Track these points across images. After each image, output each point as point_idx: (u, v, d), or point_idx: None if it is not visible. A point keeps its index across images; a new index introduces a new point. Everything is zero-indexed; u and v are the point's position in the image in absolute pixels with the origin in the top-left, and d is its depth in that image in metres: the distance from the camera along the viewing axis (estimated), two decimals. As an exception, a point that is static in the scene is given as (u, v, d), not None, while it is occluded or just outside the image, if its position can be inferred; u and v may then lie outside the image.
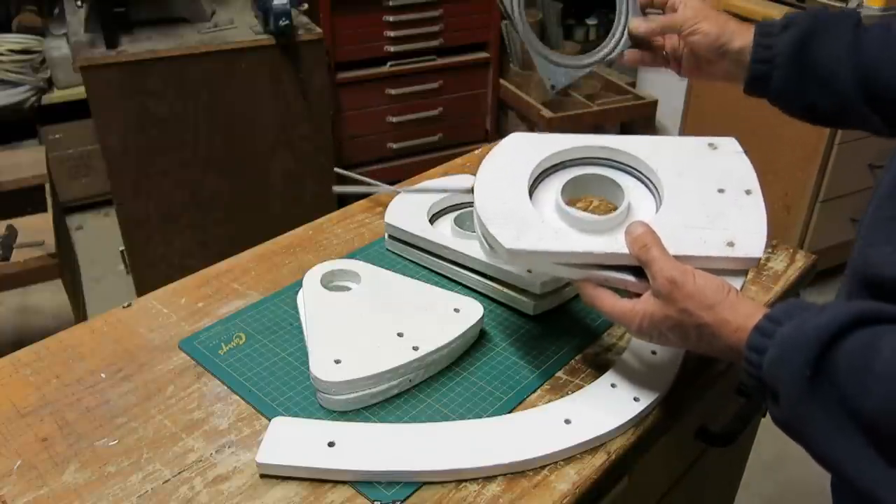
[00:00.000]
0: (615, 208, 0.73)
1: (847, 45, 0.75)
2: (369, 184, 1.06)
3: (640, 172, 0.78)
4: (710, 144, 0.78)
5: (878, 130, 0.77)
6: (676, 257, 0.65)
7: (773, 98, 0.81)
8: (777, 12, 2.07)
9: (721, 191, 0.73)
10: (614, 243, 0.68)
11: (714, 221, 0.70)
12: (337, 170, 1.15)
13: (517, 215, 0.71)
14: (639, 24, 0.87)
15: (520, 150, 0.78)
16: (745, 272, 0.70)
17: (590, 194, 0.77)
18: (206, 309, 0.86)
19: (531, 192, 0.75)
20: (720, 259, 0.68)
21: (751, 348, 0.57)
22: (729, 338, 0.60)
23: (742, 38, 0.80)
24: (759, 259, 0.69)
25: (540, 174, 0.77)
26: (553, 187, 0.76)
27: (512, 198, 0.73)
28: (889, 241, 0.59)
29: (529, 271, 0.83)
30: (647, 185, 0.77)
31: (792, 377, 0.52)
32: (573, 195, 0.78)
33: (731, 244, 0.68)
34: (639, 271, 0.67)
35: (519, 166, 0.75)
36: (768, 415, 0.58)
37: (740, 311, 0.60)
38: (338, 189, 1.07)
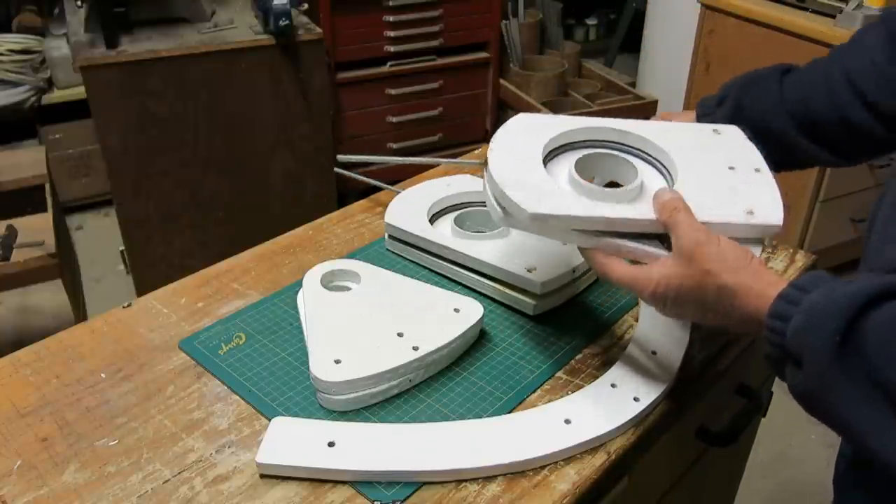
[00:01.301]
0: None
1: (774, 96, 0.79)
2: (372, 164, 1.07)
3: (649, 155, 0.77)
4: (715, 130, 0.79)
5: (828, 161, 0.81)
6: (703, 223, 0.65)
7: None
8: (777, 12, 2.07)
9: (731, 168, 0.74)
10: (636, 210, 0.68)
11: (730, 194, 0.71)
12: (337, 170, 1.15)
13: (534, 182, 0.70)
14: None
15: (529, 130, 0.77)
16: (762, 241, 0.70)
17: (598, 175, 0.77)
18: (206, 309, 0.86)
19: (547, 161, 0.75)
20: (741, 226, 0.68)
21: (774, 315, 0.56)
22: (749, 304, 0.59)
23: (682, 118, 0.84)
24: (780, 227, 0.69)
25: (548, 154, 0.76)
26: (563, 166, 0.75)
27: (528, 168, 0.72)
28: None
29: (530, 271, 0.83)
30: (656, 167, 0.77)
31: (822, 344, 0.51)
32: (586, 169, 0.77)
33: (750, 212, 0.69)
34: (654, 242, 0.67)
35: (530, 143, 0.75)
36: (765, 416, 0.58)
37: (763, 278, 0.60)
38: (341, 163, 1.10)
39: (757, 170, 0.74)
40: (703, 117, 0.84)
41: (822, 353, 0.52)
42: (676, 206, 0.66)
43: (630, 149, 0.78)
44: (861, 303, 0.51)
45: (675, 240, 0.64)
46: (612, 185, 0.76)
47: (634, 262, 0.68)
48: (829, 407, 0.53)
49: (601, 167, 0.78)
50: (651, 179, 0.75)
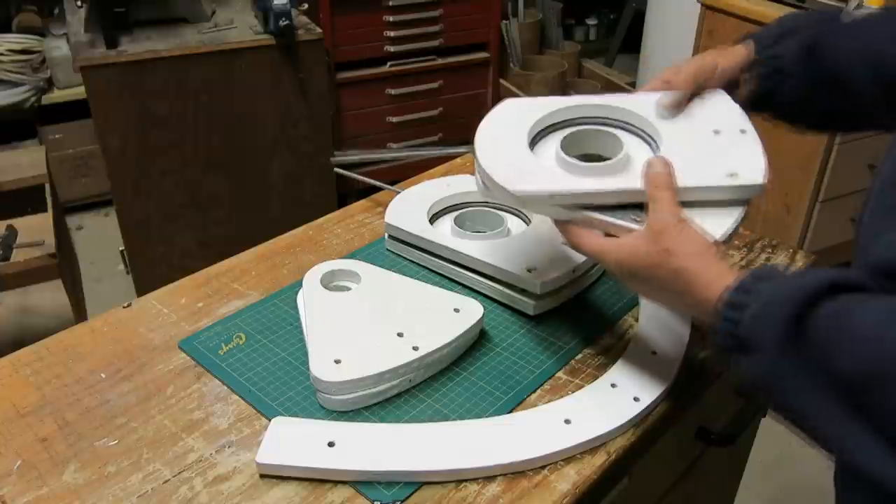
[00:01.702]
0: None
1: (859, 41, 0.74)
2: (372, 165, 1.07)
3: (635, 126, 0.79)
4: (699, 97, 0.79)
5: (890, 126, 0.76)
6: (680, 189, 0.67)
7: (783, 111, 0.80)
8: (777, 12, 2.07)
9: (717, 132, 0.75)
10: (619, 182, 0.70)
11: (713, 157, 0.72)
12: (337, 170, 1.15)
13: (517, 162, 0.72)
14: (666, 101, 0.79)
15: (516, 113, 0.79)
16: (746, 202, 0.71)
17: (586, 151, 0.79)
18: (206, 309, 0.86)
19: (535, 141, 0.77)
20: (723, 189, 0.69)
21: (728, 304, 0.57)
22: (704, 290, 0.60)
23: (730, 56, 0.78)
24: (762, 186, 0.70)
25: (536, 135, 0.78)
26: (550, 144, 0.77)
27: (512, 148, 0.74)
28: (889, 232, 0.59)
29: (530, 271, 0.83)
30: (641, 137, 0.78)
31: (775, 332, 0.53)
32: (573, 145, 0.79)
33: (732, 174, 0.70)
34: (634, 213, 0.69)
35: (517, 125, 0.77)
36: (765, 416, 0.58)
37: (720, 266, 0.61)
38: (338, 167, 1.11)
39: (742, 131, 0.75)
40: (764, 49, 0.77)
41: (774, 342, 0.53)
42: (662, 182, 0.67)
43: (616, 122, 0.80)
44: (811, 294, 0.52)
45: (650, 215, 0.66)
46: (601, 159, 0.78)
47: (610, 235, 0.69)
48: (781, 394, 0.54)
49: (588, 143, 0.79)
50: (637, 150, 0.77)
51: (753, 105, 0.80)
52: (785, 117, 0.81)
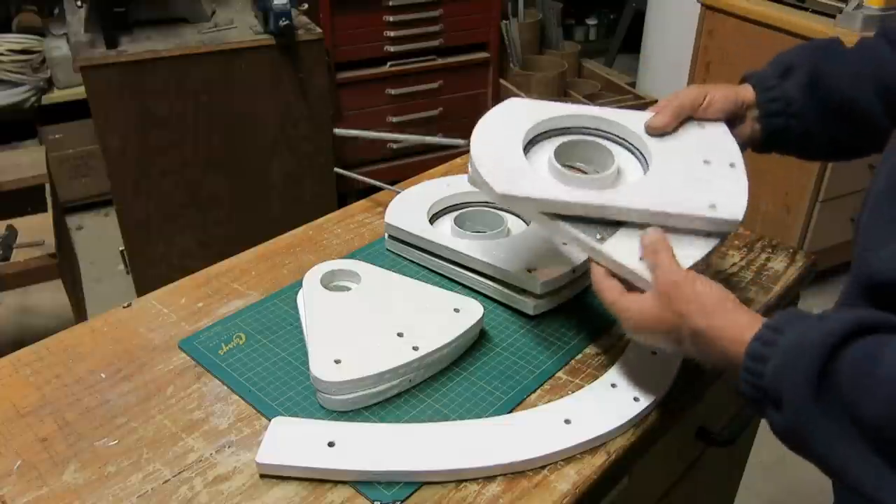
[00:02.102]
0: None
1: (854, 64, 0.75)
2: (371, 164, 1.07)
3: (629, 142, 0.80)
4: (699, 124, 0.80)
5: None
6: (659, 214, 0.69)
7: (794, 147, 0.81)
8: (777, 12, 2.07)
9: (707, 162, 0.75)
10: (600, 197, 0.71)
11: (698, 186, 0.73)
12: (337, 170, 1.15)
13: (508, 164, 0.73)
14: (654, 121, 0.79)
15: (517, 113, 0.80)
16: (723, 235, 0.71)
17: (579, 162, 0.80)
18: (206, 309, 0.86)
19: (529, 147, 0.78)
20: (701, 219, 0.70)
21: (751, 357, 0.56)
22: (725, 348, 0.59)
23: (731, 92, 0.79)
24: (738, 222, 0.71)
25: (533, 138, 0.79)
26: (545, 151, 0.78)
27: (506, 149, 0.75)
28: (887, 245, 0.59)
29: (530, 271, 0.83)
30: (635, 154, 0.79)
31: (799, 384, 0.52)
32: (562, 161, 0.80)
33: (713, 206, 0.71)
34: (626, 229, 0.71)
35: (514, 127, 0.78)
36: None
37: (738, 320, 0.60)
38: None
39: (732, 165, 0.75)
40: (765, 91, 0.78)
41: (799, 393, 0.52)
42: (658, 247, 0.67)
43: (613, 136, 0.81)
44: (836, 340, 0.51)
45: (655, 279, 0.66)
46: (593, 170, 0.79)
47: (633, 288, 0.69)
48: (810, 444, 0.53)
49: (582, 154, 0.80)
50: (629, 164, 0.78)
51: (762, 146, 0.81)
52: (796, 152, 0.82)
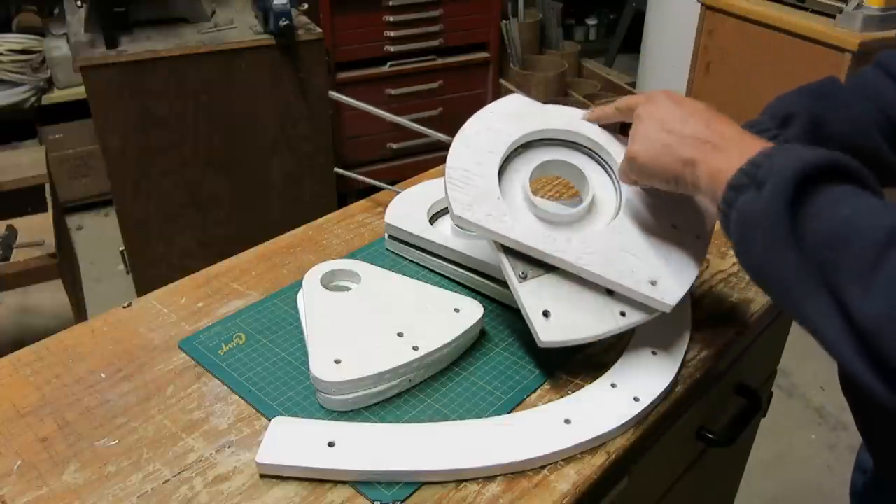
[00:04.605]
0: (578, 195, 0.77)
1: (860, 104, 0.74)
2: (372, 164, 1.07)
3: (614, 173, 0.80)
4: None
5: None
6: (598, 277, 0.71)
7: None
8: (777, 12, 2.07)
9: (674, 227, 0.75)
10: (554, 243, 0.72)
11: (651, 253, 0.73)
12: (337, 170, 1.15)
13: (476, 183, 0.75)
14: (594, 114, 0.81)
15: (510, 116, 0.80)
16: (653, 311, 0.73)
17: (562, 177, 0.83)
18: (206, 309, 0.86)
19: (510, 158, 0.79)
20: (636, 293, 0.72)
21: (756, 157, 0.58)
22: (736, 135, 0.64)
23: None
24: (669, 309, 0.72)
25: (523, 144, 0.80)
26: (530, 162, 0.79)
27: (482, 164, 0.76)
28: None
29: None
30: (617, 189, 0.79)
31: (787, 180, 0.54)
32: (545, 172, 0.81)
33: (653, 283, 0.72)
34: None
35: (502, 132, 0.78)
36: (765, 416, 0.58)
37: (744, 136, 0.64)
38: (335, 101, 1.15)
39: (698, 237, 0.75)
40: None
41: (779, 188, 0.54)
42: (622, 105, 0.75)
43: (602, 161, 0.81)
44: (817, 167, 0.54)
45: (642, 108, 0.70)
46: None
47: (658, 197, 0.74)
48: (757, 242, 0.55)
49: (567, 171, 0.81)
50: (604, 193, 0.79)
51: None
52: None
